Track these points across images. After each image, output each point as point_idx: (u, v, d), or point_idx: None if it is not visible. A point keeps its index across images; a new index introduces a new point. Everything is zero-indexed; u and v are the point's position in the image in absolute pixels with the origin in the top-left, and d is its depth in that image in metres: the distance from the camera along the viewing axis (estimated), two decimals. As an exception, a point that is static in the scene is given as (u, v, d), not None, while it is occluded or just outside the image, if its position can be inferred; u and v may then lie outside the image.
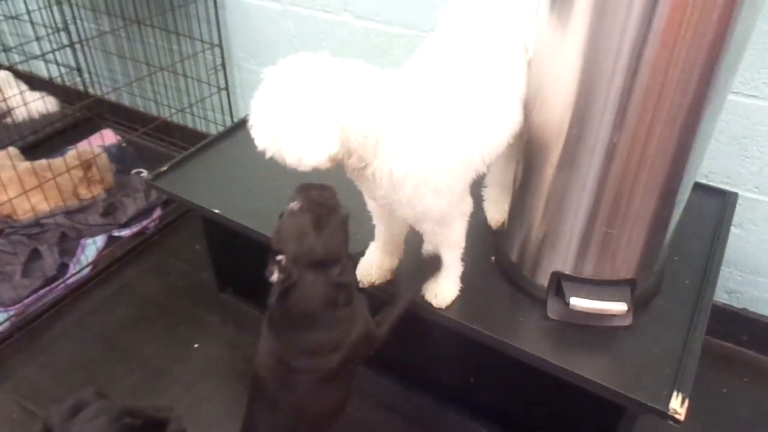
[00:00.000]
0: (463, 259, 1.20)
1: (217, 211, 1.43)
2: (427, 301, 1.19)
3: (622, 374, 1.08)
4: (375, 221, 1.20)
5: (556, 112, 1.02)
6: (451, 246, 1.14)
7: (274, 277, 0.95)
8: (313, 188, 1.00)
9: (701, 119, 0.96)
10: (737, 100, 1.48)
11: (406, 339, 1.43)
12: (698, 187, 1.55)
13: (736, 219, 1.62)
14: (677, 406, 1.00)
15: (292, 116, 0.87)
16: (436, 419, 1.51)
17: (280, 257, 0.96)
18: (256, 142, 0.92)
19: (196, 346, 1.79)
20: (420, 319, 1.21)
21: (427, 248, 1.16)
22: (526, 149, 1.14)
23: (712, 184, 1.58)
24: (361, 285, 1.22)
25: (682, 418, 1.00)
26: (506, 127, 1.06)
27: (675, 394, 1.02)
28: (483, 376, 1.43)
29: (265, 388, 1.05)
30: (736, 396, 1.67)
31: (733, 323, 1.77)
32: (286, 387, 1.01)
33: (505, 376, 1.34)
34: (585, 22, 0.92)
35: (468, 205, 1.11)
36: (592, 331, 1.15)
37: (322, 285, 0.95)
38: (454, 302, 1.20)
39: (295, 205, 0.98)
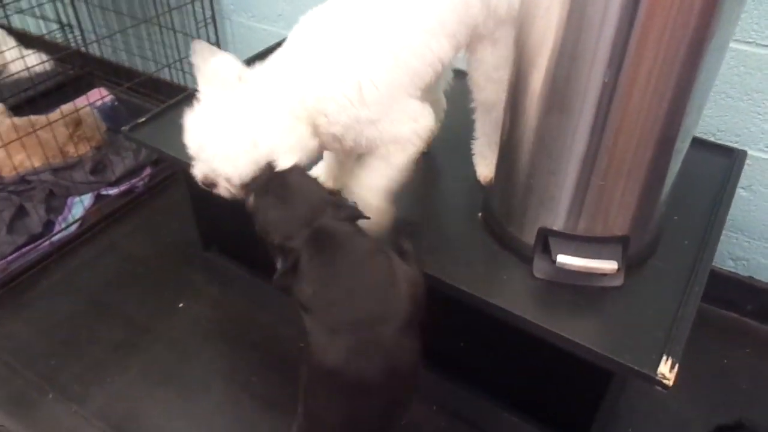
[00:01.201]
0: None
1: (194, 163, 1.36)
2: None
3: (609, 337, 1.01)
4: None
5: (544, 48, 0.93)
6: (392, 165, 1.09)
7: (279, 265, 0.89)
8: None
9: (703, 57, 0.87)
10: (749, 50, 1.38)
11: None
12: (704, 144, 1.46)
13: (744, 181, 1.53)
14: (666, 370, 0.94)
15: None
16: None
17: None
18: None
19: (180, 305, 1.74)
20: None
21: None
22: (512, 93, 1.06)
23: (720, 142, 1.49)
24: None
25: (670, 383, 0.93)
26: (424, 55, 1.04)
27: (664, 358, 0.95)
28: (466, 340, 1.37)
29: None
30: (738, 367, 1.60)
31: (737, 292, 1.69)
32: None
33: (489, 338, 1.27)
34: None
35: (424, 122, 1.08)
36: (580, 291, 1.08)
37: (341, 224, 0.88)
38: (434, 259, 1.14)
39: (251, 197, 0.94)
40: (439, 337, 1.38)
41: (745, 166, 1.49)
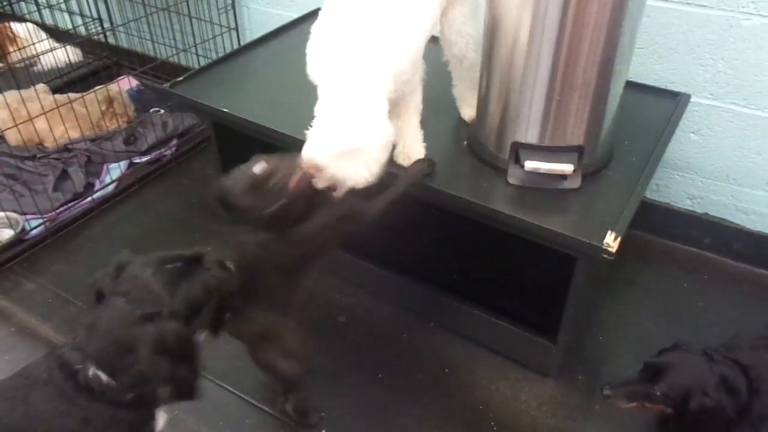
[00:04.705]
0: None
1: (225, 109, 1.62)
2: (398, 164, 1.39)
3: (569, 223, 1.26)
4: None
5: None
6: (415, 111, 1.36)
7: None
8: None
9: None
10: (690, 10, 1.64)
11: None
12: (655, 90, 1.73)
13: (693, 126, 1.79)
14: (610, 240, 1.19)
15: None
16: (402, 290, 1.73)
17: None
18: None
19: (208, 249, 1.99)
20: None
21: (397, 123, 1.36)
22: (488, 38, 1.32)
23: (670, 88, 1.75)
24: None
25: (613, 250, 1.18)
26: (429, 18, 1.31)
27: (609, 232, 1.20)
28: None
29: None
30: (696, 290, 1.84)
31: (695, 228, 1.94)
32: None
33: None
34: None
35: (422, 72, 1.35)
36: (546, 192, 1.33)
37: None
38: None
39: None
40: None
41: (693, 113, 1.75)
